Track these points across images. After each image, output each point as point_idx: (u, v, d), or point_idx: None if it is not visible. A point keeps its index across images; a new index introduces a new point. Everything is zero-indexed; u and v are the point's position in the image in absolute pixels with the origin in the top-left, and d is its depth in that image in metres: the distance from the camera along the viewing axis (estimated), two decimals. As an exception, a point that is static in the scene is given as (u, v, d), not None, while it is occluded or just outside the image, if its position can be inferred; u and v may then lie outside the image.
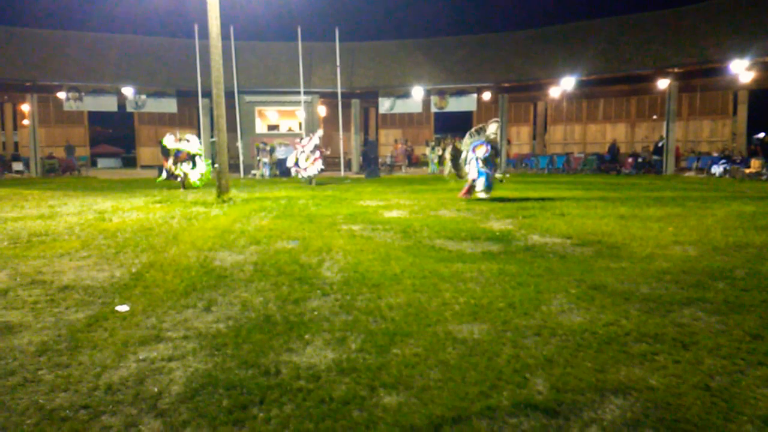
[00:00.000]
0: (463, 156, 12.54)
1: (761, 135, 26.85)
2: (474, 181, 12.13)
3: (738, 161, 20.98)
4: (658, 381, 2.98)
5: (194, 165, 16.66)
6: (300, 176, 18.74)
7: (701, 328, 3.78)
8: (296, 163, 18.72)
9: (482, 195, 11.96)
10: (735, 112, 24.82)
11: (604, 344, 3.51)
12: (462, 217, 9.57)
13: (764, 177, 18.96)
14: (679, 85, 22.95)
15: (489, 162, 12.01)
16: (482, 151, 11.85)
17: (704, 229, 7.86)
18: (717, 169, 21.09)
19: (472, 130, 12.53)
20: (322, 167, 18.81)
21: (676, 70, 21.86)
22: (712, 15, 22.88)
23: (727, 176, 20.41)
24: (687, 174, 22.68)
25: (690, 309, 4.20)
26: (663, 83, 22.43)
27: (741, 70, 19.81)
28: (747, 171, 19.76)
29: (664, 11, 25.25)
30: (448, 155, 13.36)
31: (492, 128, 12.25)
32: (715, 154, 22.74)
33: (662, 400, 2.77)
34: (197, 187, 16.53)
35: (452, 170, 13.14)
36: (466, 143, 12.47)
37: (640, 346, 3.48)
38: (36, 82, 24.92)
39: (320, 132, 19.46)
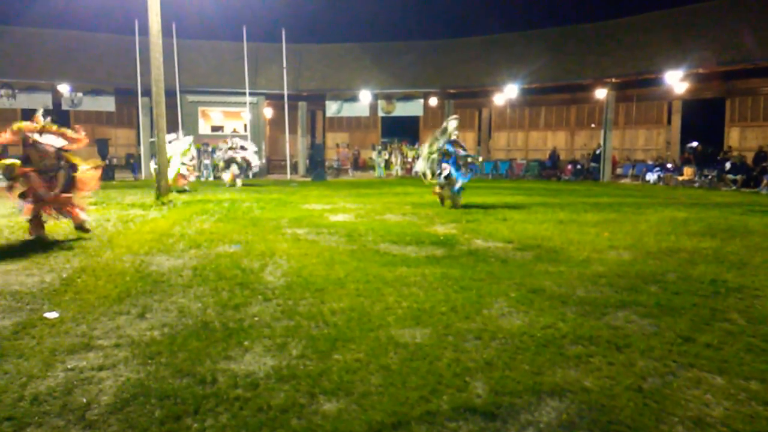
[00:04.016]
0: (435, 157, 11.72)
1: (694, 144, 27.90)
2: (447, 178, 11.50)
3: (671, 169, 21.84)
4: (593, 383, 3.06)
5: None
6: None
7: (634, 331, 3.90)
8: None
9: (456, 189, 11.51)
10: (669, 122, 25.70)
11: (542, 347, 3.58)
12: (407, 221, 9.61)
13: (696, 184, 19.86)
14: (617, 95, 23.79)
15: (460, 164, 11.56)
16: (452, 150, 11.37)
17: (638, 234, 8.16)
18: (651, 177, 21.94)
19: (438, 132, 11.83)
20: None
21: (613, 80, 22.64)
22: (648, 28, 23.82)
23: (660, 183, 21.26)
24: (623, 181, 23.53)
25: (624, 312, 4.34)
26: (601, 93, 23.19)
27: (675, 81, 20.54)
28: (680, 178, 20.66)
29: (604, 23, 26.13)
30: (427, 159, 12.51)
31: (453, 125, 11.66)
32: (650, 162, 23.63)
33: (596, 401, 2.84)
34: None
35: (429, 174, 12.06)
36: (432, 145, 11.76)
37: (575, 348, 3.57)
38: (-36, 77, 23.62)
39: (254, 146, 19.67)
